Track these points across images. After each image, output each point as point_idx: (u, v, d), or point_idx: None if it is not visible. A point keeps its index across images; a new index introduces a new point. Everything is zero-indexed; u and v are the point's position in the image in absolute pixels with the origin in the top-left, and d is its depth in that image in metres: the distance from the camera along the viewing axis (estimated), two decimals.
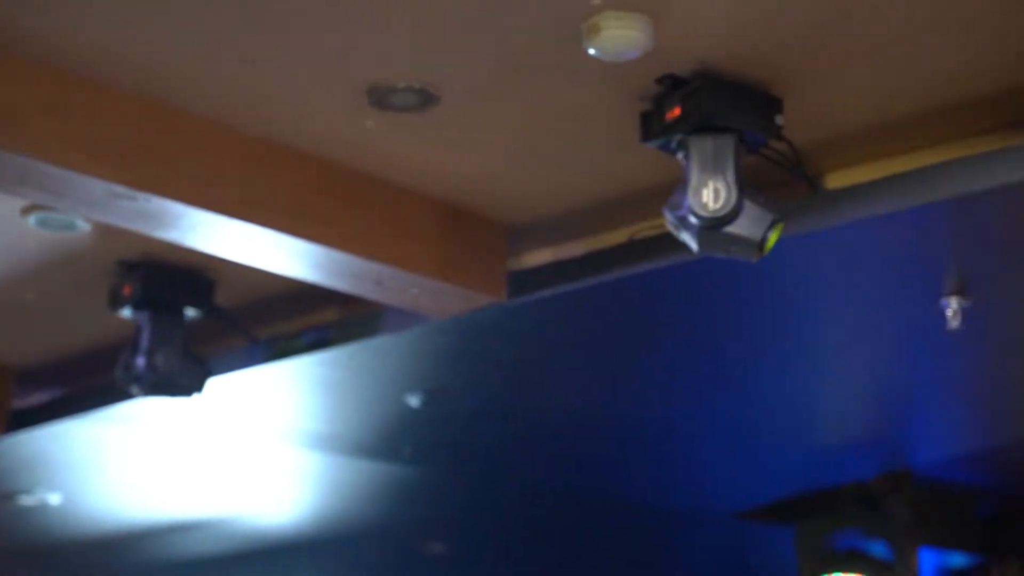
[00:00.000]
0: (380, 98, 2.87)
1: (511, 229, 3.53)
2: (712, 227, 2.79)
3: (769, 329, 3.91)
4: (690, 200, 2.77)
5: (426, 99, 2.88)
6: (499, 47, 2.70)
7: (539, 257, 3.62)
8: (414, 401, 4.29)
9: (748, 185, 2.80)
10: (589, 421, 4.70)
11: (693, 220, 2.79)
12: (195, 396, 3.73)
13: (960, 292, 3.59)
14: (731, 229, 2.80)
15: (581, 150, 3.15)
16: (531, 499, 5.61)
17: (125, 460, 5.09)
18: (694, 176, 2.78)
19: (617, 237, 3.43)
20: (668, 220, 2.85)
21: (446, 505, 5.72)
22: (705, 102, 2.75)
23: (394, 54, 2.74)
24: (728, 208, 2.77)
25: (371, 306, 3.71)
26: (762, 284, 3.55)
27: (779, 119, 2.84)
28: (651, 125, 2.86)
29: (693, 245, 2.84)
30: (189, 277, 3.68)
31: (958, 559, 6.23)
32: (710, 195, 2.77)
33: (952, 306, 3.63)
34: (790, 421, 4.81)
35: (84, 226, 3.34)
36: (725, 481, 5.45)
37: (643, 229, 3.30)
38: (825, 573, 5.64)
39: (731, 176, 2.78)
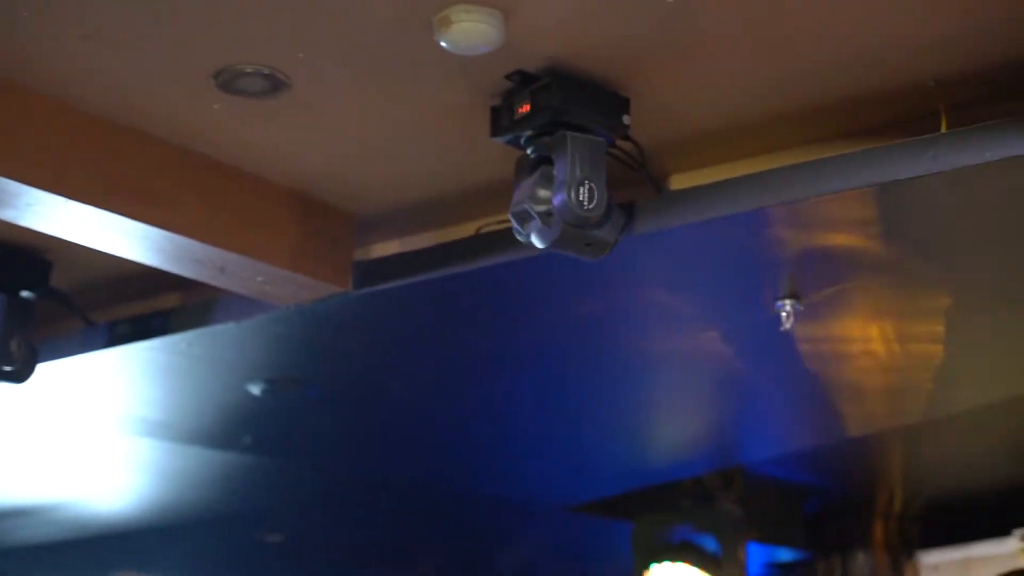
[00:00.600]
0: (228, 81, 2.84)
1: (359, 219, 3.52)
2: (578, 226, 2.82)
3: (610, 326, 3.97)
4: (564, 198, 2.78)
5: (275, 85, 2.85)
6: (351, 35, 2.69)
7: (386, 248, 3.62)
8: (255, 390, 4.25)
9: None
10: (430, 413, 4.72)
11: (556, 217, 2.81)
12: (25, 382, 3.63)
13: (795, 295, 3.70)
14: (591, 229, 2.84)
15: (431, 143, 3.16)
16: (370, 490, 5.60)
17: None
18: (569, 174, 2.79)
19: (464, 231, 3.46)
20: (515, 213, 2.87)
21: (284, 495, 5.68)
22: (554, 99, 2.78)
23: (242, 37, 2.71)
24: (601, 209, 2.81)
25: (214, 293, 3.67)
26: (605, 282, 3.60)
27: (626, 119, 2.89)
28: (500, 120, 2.89)
29: (538, 242, 2.87)
30: (24, 257, 3.59)
31: (785, 555, 6.41)
32: (586, 194, 2.80)
33: (786, 308, 3.74)
34: (627, 418, 4.90)
35: None
36: (562, 475, 5.52)
37: (491, 223, 3.33)
38: (656, 562, 5.76)
39: (603, 177, 2.82)
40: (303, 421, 4.74)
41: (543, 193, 2.83)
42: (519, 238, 2.91)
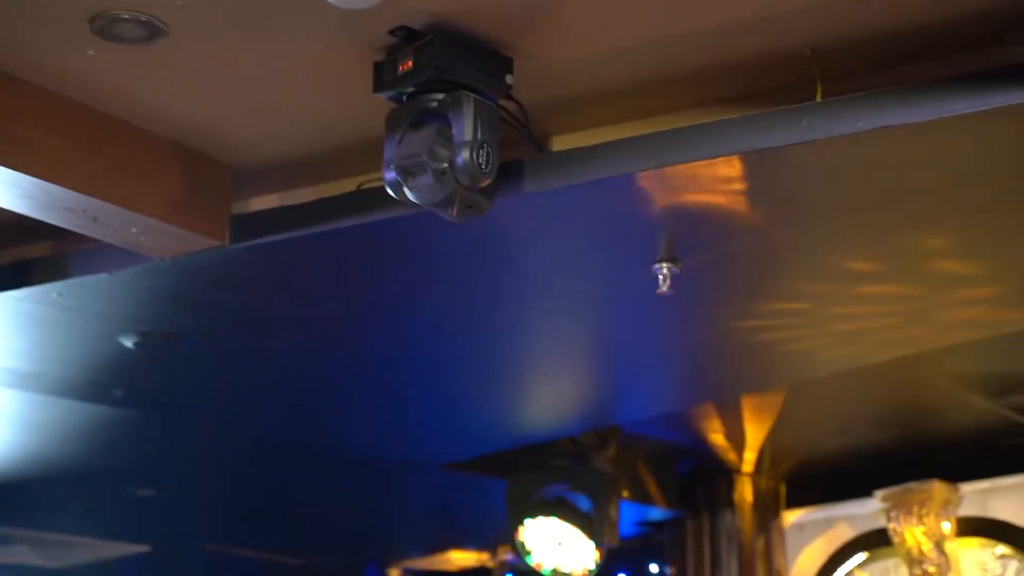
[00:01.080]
0: (103, 27, 2.77)
1: (238, 172, 3.48)
2: (468, 187, 2.83)
3: (487, 284, 3.98)
4: (466, 158, 2.78)
5: (153, 32, 2.79)
6: None
7: (265, 202, 3.58)
8: (128, 342, 4.17)
9: None
10: (305, 369, 4.69)
11: (451, 176, 2.80)
12: None
13: (671, 258, 3.75)
14: (477, 192, 2.85)
15: (312, 96, 3.13)
16: (245, 445, 5.56)
17: None
18: (471, 136, 2.79)
19: (345, 186, 3.43)
20: (405, 166, 2.85)
21: (156, 449, 5.61)
22: (438, 56, 2.78)
23: None
24: (494, 173, 2.82)
25: (87, 243, 3.59)
26: (485, 241, 3.61)
27: (509, 78, 2.89)
28: (383, 76, 2.87)
29: (417, 199, 2.87)
30: None
31: (656, 514, 6.53)
32: (484, 157, 2.80)
33: (663, 271, 3.78)
34: (503, 377, 4.93)
35: None
36: (437, 433, 5.54)
37: (372, 180, 3.31)
38: (530, 517, 5.83)
39: (497, 141, 2.83)
40: (176, 375, 4.68)
41: (441, 151, 2.82)
42: (391, 193, 2.90)
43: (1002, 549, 5.69)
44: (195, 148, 3.36)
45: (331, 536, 7.21)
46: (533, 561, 5.83)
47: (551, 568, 5.84)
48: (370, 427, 5.44)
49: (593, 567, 5.87)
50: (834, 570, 6.24)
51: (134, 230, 3.35)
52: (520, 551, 5.86)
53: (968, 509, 5.80)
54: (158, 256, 3.53)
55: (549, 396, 5.25)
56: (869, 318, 4.37)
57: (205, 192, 3.41)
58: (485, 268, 3.86)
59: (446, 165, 2.81)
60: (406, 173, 2.86)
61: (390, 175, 2.88)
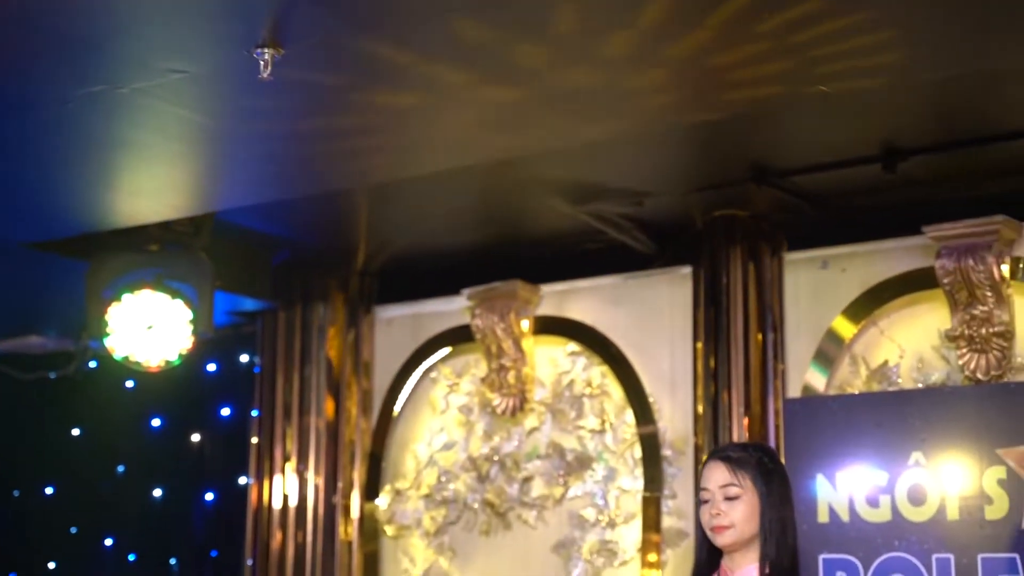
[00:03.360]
0: None
1: None
2: None
3: (71, 58, 3.80)
4: None
5: None
6: None
7: None
8: None
9: None
10: None
11: None
12: None
13: (274, 44, 3.69)
14: None
15: None
16: None
17: None
18: None
19: None
20: None
21: None
22: None
23: None
24: None
25: None
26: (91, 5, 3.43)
27: None
28: None
29: None
30: None
31: (249, 304, 6.54)
32: None
33: (265, 57, 3.72)
34: (93, 157, 4.75)
35: None
36: (19, 212, 5.30)
37: None
38: (117, 301, 5.68)
39: None
40: None
41: None
42: None
43: (573, 347, 6.08)
44: None
45: None
46: (108, 344, 5.68)
47: (124, 355, 5.71)
48: None
49: (175, 358, 5.77)
50: (419, 364, 6.48)
51: None
52: (95, 333, 5.69)
53: (546, 309, 6.14)
54: None
55: (142, 179, 5.10)
56: (465, 122, 4.48)
57: None
58: (81, 36, 3.67)
59: None
60: None
61: None
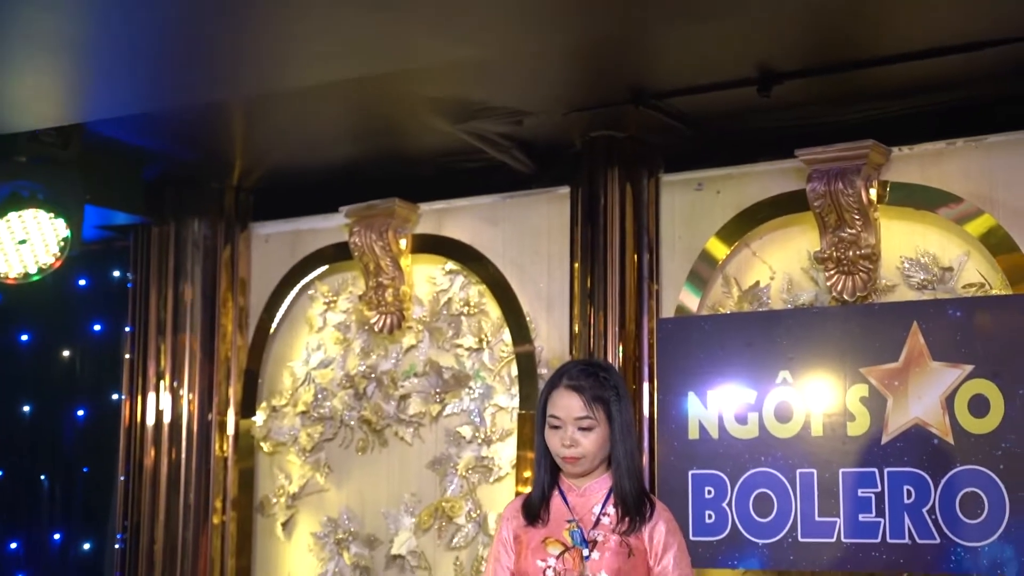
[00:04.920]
0: None
1: None
2: None
3: None
4: None
5: None
6: None
7: None
8: None
9: None
10: None
11: None
12: None
13: None
14: None
15: None
16: None
17: None
18: None
19: None
20: None
21: None
22: None
23: None
24: None
25: None
26: None
27: None
28: None
29: None
30: None
31: (120, 218, 6.41)
32: None
33: None
34: None
35: None
36: None
37: None
38: None
39: None
40: None
41: None
42: None
43: (451, 265, 6.08)
44: None
45: None
46: None
47: None
48: None
49: (34, 271, 5.62)
50: (296, 281, 6.44)
51: None
52: None
53: (424, 227, 6.13)
54: None
55: (9, 87, 4.96)
56: (336, 38, 4.42)
57: None
58: None
59: None
60: None
61: None
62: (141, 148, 5.99)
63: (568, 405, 3.42)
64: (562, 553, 3.40)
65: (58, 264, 5.66)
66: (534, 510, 3.48)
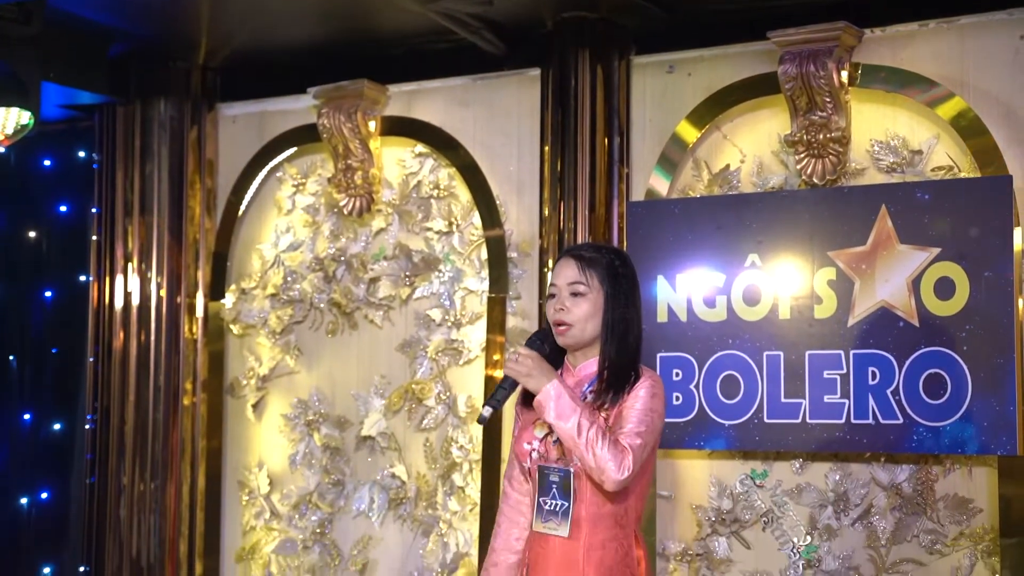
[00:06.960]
0: None
1: None
2: None
3: None
4: None
5: None
6: None
7: None
8: None
9: None
10: None
11: None
12: None
13: None
14: None
15: None
16: None
17: None
18: None
19: None
20: None
21: None
22: None
23: None
24: None
25: None
26: None
27: None
28: None
29: None
30: None
31: (85, 97, 6.32)
32: None
33: None
34: None
35: None
36: None
37: None
38: None
39: None
40: None
41: None
42: None
43: (421, 148, 6.04)
44: None
45: None
46: None
47: None
48: None
49: None
50: (264, 163, 6.38)
51: None
52: None
53: (393, 109, 6.07)
54: None
55: None
56: None
57: None
58: None
59: None
60: None
61: None
62: (104, 25, 5.88)
63: (564, 272, 3.42)
64: (546, 436, 3.42)
65: (12, 140, 5.57)
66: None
